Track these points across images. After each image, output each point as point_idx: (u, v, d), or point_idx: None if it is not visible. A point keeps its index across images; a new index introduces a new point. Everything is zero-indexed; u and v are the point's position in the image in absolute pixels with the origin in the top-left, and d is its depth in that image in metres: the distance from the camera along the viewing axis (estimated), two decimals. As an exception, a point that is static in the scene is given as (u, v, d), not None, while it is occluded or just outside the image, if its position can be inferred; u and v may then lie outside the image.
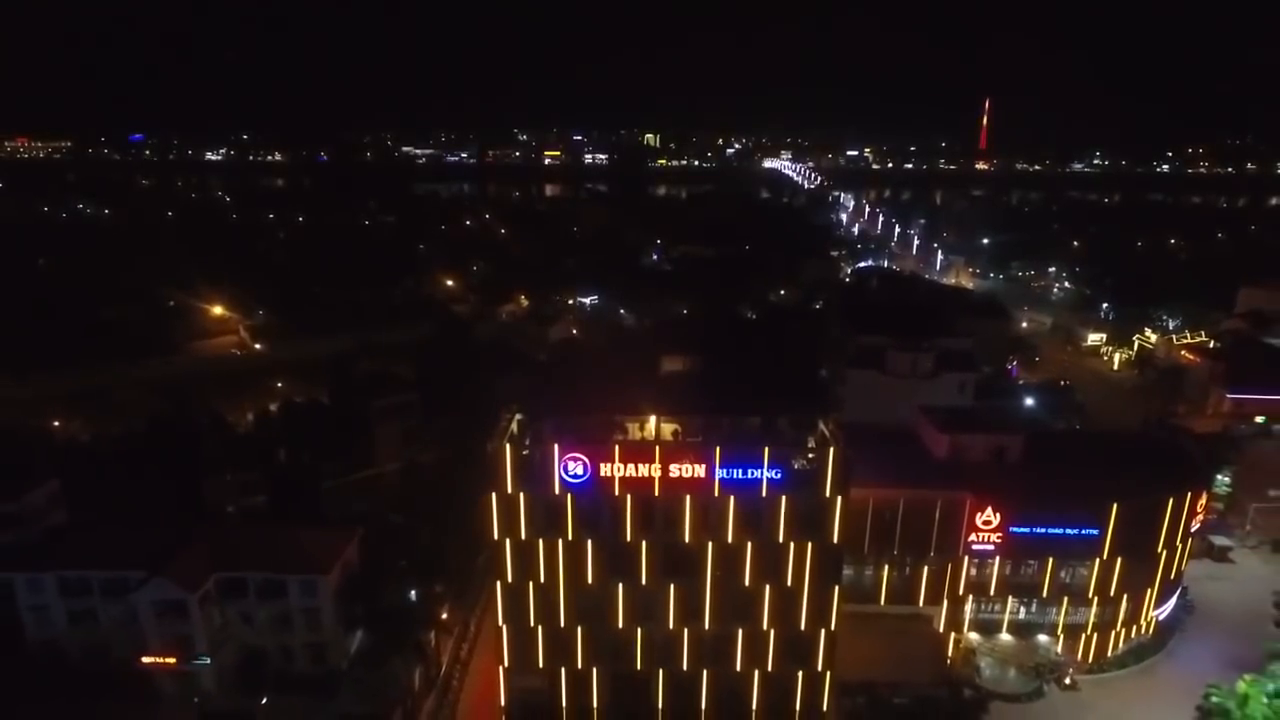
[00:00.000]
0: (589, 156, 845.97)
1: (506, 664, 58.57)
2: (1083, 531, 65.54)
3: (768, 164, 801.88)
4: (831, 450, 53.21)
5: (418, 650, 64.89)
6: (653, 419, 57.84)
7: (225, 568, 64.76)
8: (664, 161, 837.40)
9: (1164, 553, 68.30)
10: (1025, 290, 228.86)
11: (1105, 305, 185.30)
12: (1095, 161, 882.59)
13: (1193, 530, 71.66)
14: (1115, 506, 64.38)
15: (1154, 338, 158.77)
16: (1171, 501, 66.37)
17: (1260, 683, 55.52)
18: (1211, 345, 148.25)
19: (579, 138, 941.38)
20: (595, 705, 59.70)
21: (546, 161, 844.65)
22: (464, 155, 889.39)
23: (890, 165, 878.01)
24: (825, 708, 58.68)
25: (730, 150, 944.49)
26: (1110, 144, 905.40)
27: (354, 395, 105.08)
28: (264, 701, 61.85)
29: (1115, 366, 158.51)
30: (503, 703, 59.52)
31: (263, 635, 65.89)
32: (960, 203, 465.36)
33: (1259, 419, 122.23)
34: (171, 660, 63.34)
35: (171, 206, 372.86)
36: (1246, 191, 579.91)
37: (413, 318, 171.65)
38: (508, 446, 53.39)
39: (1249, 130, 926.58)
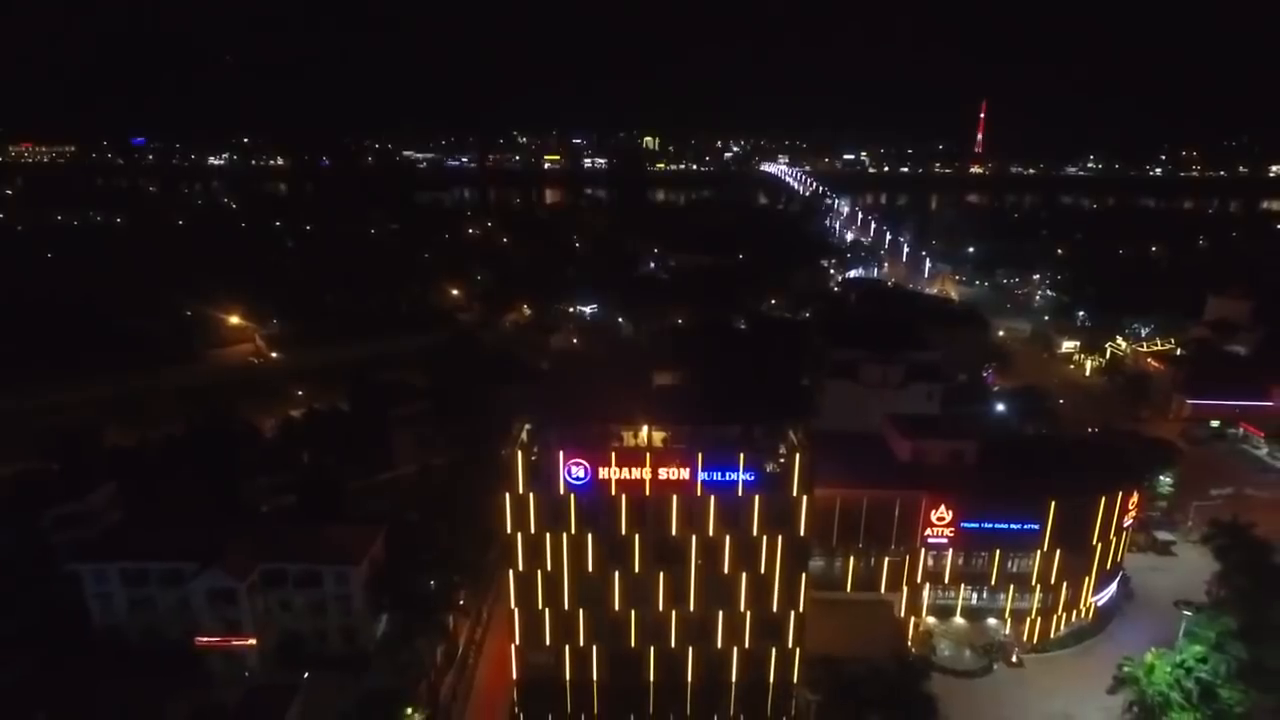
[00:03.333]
0: (588, 160, 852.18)
1: (518, 642, 66.31)
2: (1025, 526, 74.17)
3: (765, 168, 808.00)
4: (798, 455, 61.40)
5: (439, 631, 73.03)
6: (645, 428, 66.24)
7: (268, 560, 73.06)
8: (663, 165, 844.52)
9: (1099, 545, 76.74)
10: (1008, 298, 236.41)
11: (1081, 313, 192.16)
12: (1089, 165, 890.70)
13: (1127, 525, 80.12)
14: (1053, 504, 73.00)
15: (1124, 345, 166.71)
16: (1104, 500, 74.87)
17: (1167, 656, 63.92)
18: (1177, 353, 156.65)
19: (578, 141, 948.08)
20: (595, 678, 67.55)
21: (546, 166, 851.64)
22: (464, 159, 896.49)
23: (886, 169, 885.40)
24: (795, 679, 67.03)
25: (729, 154, 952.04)
26: (1105, 147, 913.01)
27: (373, 403, 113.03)
28: (305, 676, 70.07)
29: (1087, 373, 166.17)
30: (514, 676, 67.41)
31: (300, 620, 74.14)
32: (950, 211, 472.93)
33: (1214, 423, 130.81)
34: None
35: (180, 213, 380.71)
36: (1238, 195, 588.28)
37: (420, 327, 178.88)
38: (519, 453, 61.35)
39: (1245, 132, 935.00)
